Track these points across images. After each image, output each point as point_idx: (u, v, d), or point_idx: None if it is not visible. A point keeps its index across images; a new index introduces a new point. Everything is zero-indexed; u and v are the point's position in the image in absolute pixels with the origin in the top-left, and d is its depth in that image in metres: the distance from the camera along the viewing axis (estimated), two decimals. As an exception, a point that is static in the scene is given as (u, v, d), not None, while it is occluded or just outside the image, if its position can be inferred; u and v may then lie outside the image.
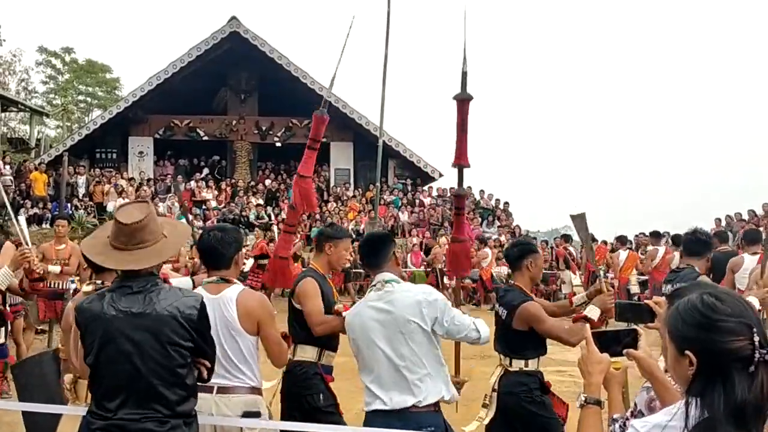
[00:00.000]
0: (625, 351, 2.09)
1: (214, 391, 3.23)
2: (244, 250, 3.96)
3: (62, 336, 3.40)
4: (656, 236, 13.61)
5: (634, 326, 2.18)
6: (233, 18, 21.99)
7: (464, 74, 4.40)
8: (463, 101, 4.37)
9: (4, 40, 36.98)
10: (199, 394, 2.93)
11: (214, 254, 3.36)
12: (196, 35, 49.36)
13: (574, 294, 4.52)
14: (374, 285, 3.45)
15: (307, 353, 4.00)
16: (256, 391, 3.38)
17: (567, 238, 18.57)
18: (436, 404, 3.26)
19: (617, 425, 1.96)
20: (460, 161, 4.42)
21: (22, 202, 19.73)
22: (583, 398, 2.02)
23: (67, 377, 3.07)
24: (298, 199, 4.85)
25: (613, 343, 2.10)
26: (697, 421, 1.55)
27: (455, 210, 4.54)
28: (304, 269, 4.61)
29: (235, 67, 23.10)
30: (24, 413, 3.55)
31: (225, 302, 3.28)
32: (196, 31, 57.04)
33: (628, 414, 2.13)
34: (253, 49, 22.09)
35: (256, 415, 3.31)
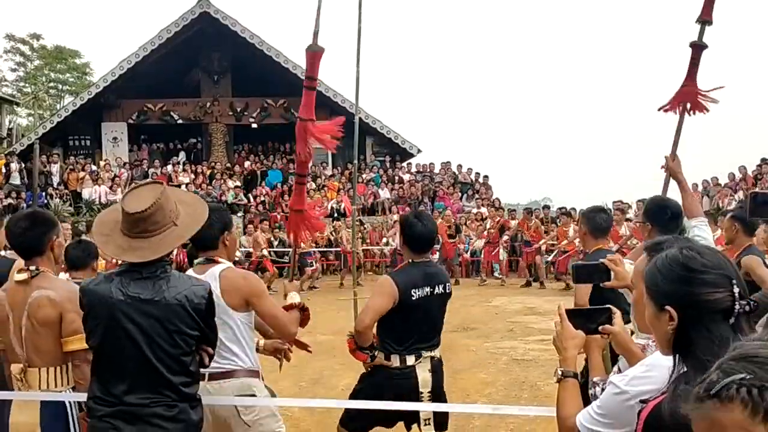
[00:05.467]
0: (600, 327, 2.14)
1: (206, 378, 3.12)
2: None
3: None
4: (567, 215, 16.02)
5: (609, 305, 2.20)
6: (203, -2, 21.66)
7: None
8: None
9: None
10: None
11: (201, 234, 3.18)
12: (166, 16, 48.65)
13: None
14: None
15: None
16: (252, 373, 3.27)
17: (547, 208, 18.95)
18: None
19: (598, 388, 1.97)
20: (705, 17, 4.43)
21: (-6, 193, 19.48)
22: (560, 372, 2.07)
23: (15, 367, 2.95)
24: (301, 146, 4.26)
25: (587, 320, 2.14)
26: (678, 374, 1.55)
27: (691, 61, 4.53)
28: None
29: (206, 48, 22.79)
30: None
31: (209, 280, 3.16)
32: (165, 12, 56.23)
33: (611, 377, 2.13)
34: (224, 30, 21.78)
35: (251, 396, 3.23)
